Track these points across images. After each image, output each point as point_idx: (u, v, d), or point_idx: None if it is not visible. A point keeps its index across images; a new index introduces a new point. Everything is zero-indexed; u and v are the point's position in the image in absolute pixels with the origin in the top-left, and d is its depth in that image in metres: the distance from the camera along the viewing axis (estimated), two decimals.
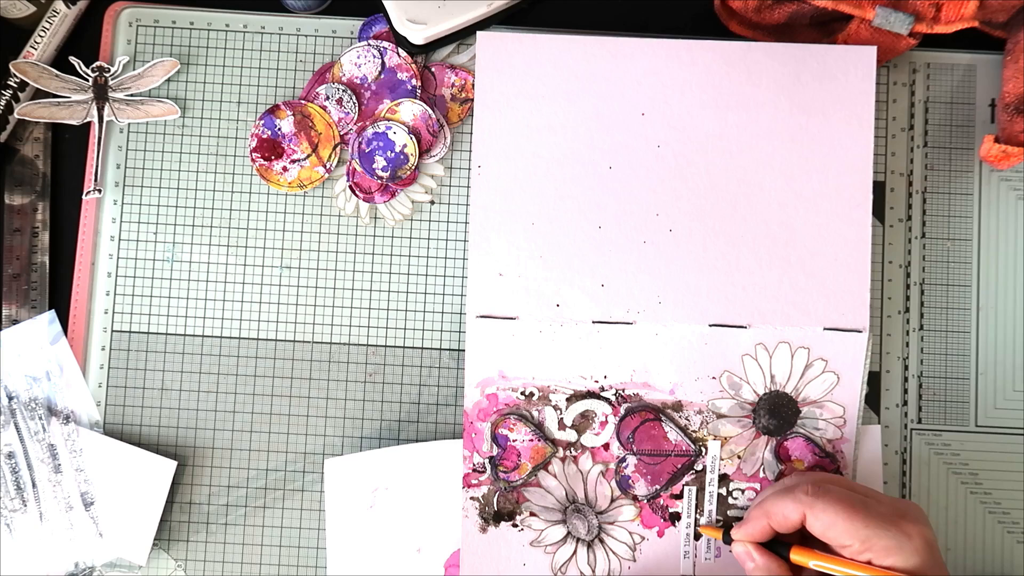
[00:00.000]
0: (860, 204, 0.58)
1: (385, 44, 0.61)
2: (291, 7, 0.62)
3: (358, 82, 0.61)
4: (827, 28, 0.61)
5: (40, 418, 0.59)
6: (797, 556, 0.53)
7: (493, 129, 0.59)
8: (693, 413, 0.58)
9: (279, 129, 0.61)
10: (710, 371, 0.58)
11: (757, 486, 0.58)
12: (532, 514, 0.58)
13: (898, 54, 0.60)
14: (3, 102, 0.61)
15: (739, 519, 0.58)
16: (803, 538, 0.53)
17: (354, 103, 0.60)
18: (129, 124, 0.61)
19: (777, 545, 0.54)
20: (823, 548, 0.53)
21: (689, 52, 0.59)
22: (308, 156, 0.61)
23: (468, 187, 0.61)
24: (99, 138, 0.61)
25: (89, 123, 0.61)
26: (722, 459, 0.58)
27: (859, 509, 0.50)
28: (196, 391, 0.60)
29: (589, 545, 0.58)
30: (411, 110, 0.60)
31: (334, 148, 0.61)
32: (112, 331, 0.60)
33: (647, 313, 0.58)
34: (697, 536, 0.58)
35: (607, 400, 0.58)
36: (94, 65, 0.61)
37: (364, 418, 0.60)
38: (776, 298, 0.58)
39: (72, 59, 0.61)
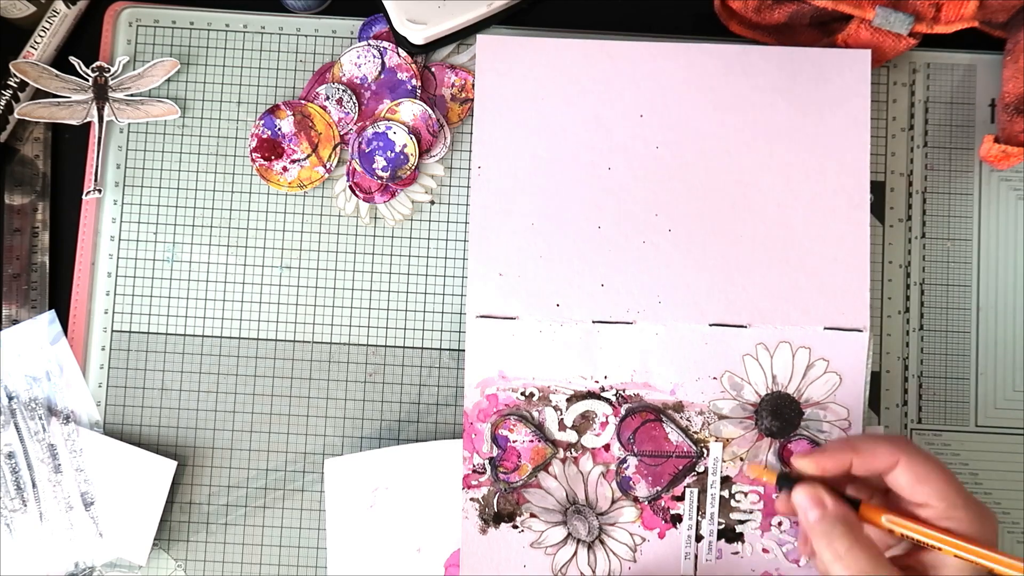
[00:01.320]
0: (858, 204, 0.58)
1: (385, 44, 0.61)
2: (291, 7, 0.62)
3: (358, 82, 0.61)
4: (827, 28, 0.61)
5: (40, 418, 0.59)
6: (869, 511, 0.49)
7: (493, 130, 0.59)
8: (694, 414, 0.58)
9: (279, 129, 0.61)
10: (711, 371, 0.58)
11: (761, 489, 0.58)
12: (532, 515, 0.58)
13: (898, 54, 0.60)
14: (3, 102, 0.61)
15: (742, 522, 0.58)
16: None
17: (354, 103, 0.60)
18: (129, 124, 0.61)
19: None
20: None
21: (687, 54, 0.59)
22: (308, 156, 0.61)
23: (468, 187, 0.61)
24: (99, 138, 0.61)
25: (89, 123, 0.61)
26: (724, 461, 0.58)
27: (953, 477, 0.48)
28: (196, 391, 0.60)
29: (589, 546, 0.58)
30: (411, 110, 0.60)
31: (334, 148, 0.61)
32: (112, 331, 0.60)
33: (647, 313, 0.58)
34: (699, 538, 0.58)
35: (607, 400, 0.58)
36: (94, 65, 0.61)
37: (364, 418, 0.60)
38: (776, 297, 0.58)
39: (72, 59, 0.61)
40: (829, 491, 0.49)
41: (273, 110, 0.61)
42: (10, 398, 0.59)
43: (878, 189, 0.61)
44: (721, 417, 0.58)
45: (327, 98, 0.61)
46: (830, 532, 0.48)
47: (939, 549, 0.47)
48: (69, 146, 0.62)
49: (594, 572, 0.58)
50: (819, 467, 0.50)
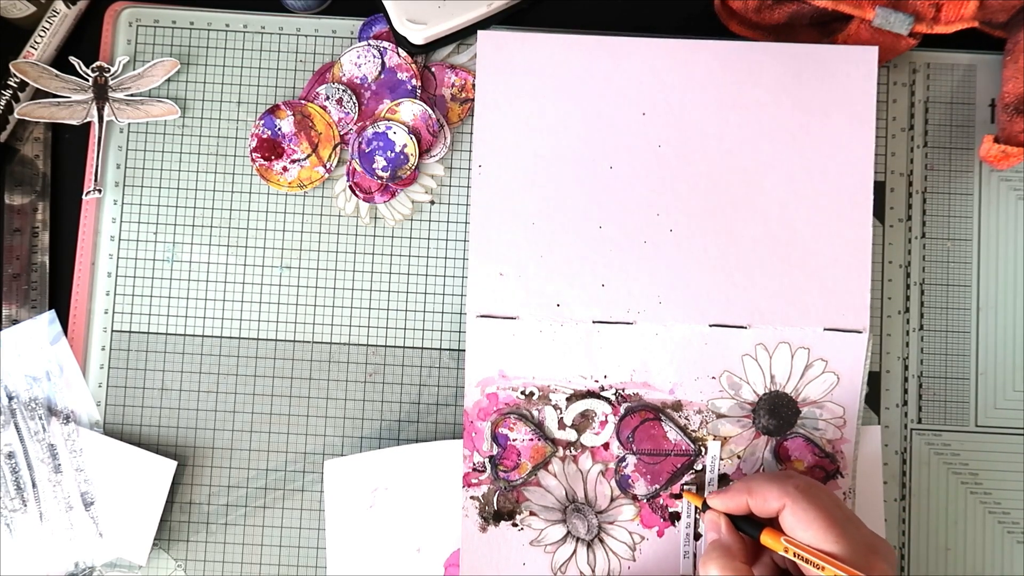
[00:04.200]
0: (861, 204, 0.58)
1: (385, 44, 0.61)
2: (291, 7, 0.62)
3: (358, 82, 0.61)
4: (827, 28, 0.61)
5: (40, 418, 0.59)
6: (768, 538, 0.52)
7: (493, 129, 0.59)
8: (693, 413, 0.58)
9: (279, 129, 0.61)
10: (710, 371, 0.58)
11: None
12: (532, 513, 0.58)
13: (898, 54, 0.60)
14: (3, 102, 0.61)
15: None
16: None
17: (354, 103, 0.60)
18: (129, 124, 0.61)
19: (747, 525, 0.54)
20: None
21: (690, 52, 0.59)
22: (308, 156, 0.61)
23: (468, 187, 0.61)
24: (99, 138, 0.61)
25: (89, 123, 0.61)
26: (722, 459, 0.58)
27: (838, 525, 0.50)
28: (196, 391, 0.60)
29: (589, 545, 0.58)
30: (411, 110, 0.60)
31: (334, 148, 0.61)
32: (112, 331, 0.60)
33: (647, 313, 0.58)
34: (697, 536, 0.58)
35: (607, 400, 0.58)
36: (94, 65, 0.61)
37: (364, 418, 0.60)
38: (776, 298, 0.58)
39: (72, 59, 0.61)
40: (727, 521, 0.54)
41: (273, 110, 0.61)
42: (10, 398, 0.59)
43: (878, 189, 0.61)
44: (719, 416, 0.58)
45: (327, 98, 0.61)
46: (710, 554, 0.53)
47: (821, 568, 0.50)
48: (69, 146, 0.62)
49: (593, 570, 0.58)
50: (721, 505, 0.54)
